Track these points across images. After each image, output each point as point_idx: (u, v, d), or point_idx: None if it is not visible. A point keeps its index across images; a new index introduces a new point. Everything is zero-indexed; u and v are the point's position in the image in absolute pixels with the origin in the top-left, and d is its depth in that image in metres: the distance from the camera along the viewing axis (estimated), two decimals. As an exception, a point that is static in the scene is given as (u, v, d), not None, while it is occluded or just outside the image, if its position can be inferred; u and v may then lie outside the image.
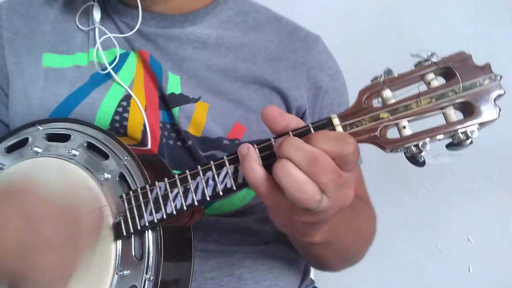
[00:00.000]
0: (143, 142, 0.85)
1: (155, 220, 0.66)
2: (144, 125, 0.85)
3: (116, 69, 0.87)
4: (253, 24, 0.94)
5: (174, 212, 0.65)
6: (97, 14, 0.89)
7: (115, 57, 0.88)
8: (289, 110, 0.91)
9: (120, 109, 0.85)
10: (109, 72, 0.87)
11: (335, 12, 1.46)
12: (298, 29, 0.97)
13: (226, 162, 0.62)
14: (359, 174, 1.01)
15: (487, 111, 0.52)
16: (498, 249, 1.49)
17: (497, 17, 1.42)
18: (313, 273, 1.15)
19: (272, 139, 0.59)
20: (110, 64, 0.87)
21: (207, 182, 0.63)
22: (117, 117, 0.85)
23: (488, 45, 1.41)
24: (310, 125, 0.58)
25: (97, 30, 0.88)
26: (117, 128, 0.85)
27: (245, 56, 0.91)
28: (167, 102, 0.86)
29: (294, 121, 0.59)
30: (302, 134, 0.57)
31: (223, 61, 0.90)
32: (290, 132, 0.58)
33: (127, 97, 0.86)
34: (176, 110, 0.85)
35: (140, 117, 0.85)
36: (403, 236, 1.57)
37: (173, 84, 0.87)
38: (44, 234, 0.62)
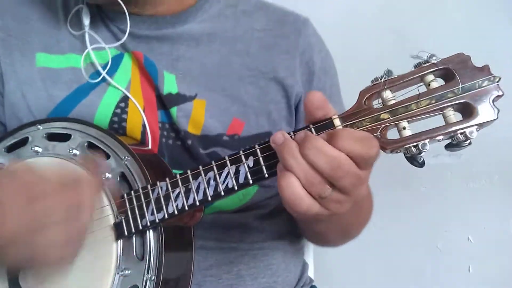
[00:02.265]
0: (143, 142, 0.85)
1: (157, 220, 0.66)
2: (144, 125, 0.85)
3: (112, 71, 0.88)
4: (243, 15, 0.95)
5: (176, 212, 0.65)
6: (86, 19, 0.88)
7: (108, 61, 0.88)
8: (288, 99, 0.92)
9: (118, 111, 0.86)
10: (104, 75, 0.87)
11: (334, 12, 1.47)
12: (287, 14, 0.98)
13: (228, 162, 0.62)
14: None
15: (486, 112, 0.52)
16: (498, 249, 1.48)
17: (497, 17, 1.42)
18: (312, 271, 1.15)
19: (292, 133, 0.59)
20: (103, 67, 0.87)
21: (208, 182, 0.63)
22: (116, 119, 0.86)
23: (488, 45, 1.41)
24: (311, 126, 0.58)
25: (87, 35, 0.88)
26: (116, 129, 0.85)
27: (238, 49, 0.91)
28: (164, 102, 0.86)
29: (333, 111, 0.59)
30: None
31: (216, 57, 0.90)
32: (292, 133, 0.59)
33: (125, 99, 0.86)
34: (174, 110, 0.86)
35: (138, 118, 0.86)
36: (403, 236, 1.56)
37: (169, 84, 0.87)
38: (46, 212, 0.61)
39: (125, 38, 0.86)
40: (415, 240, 1.56)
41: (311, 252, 1.19)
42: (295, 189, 0.55)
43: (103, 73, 0.86)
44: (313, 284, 1.08)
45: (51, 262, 0.64)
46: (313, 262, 1.18)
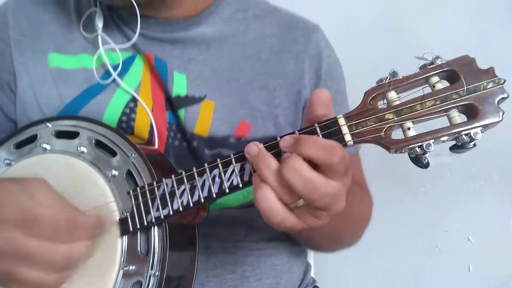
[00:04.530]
0: (150, 142, 0.86)
1: (162, 216, 0.66)
2: (151, 125, 0.86)
3: (122, 72, 0.88)
4: (254, 19, 0.96)
5: (181, 209, 0.65)
6: (99, 22, 0.88)
7: (119, 62, 0.88)
8: (296, 105, 0.92)
9: (128, 110, 0.86)
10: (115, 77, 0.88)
11: (335, 12, 1.47)
12: (297, 19, 0.99)
13: (233, 160, 0.63)
14: (356, 160, 1.03)
15: (491, 114, 0.53)
16: (498, 249, 1.49)
17: (497, 17, 1.42)
18: (314, 272, 1.15)
19: (278, 138, 0.60)
20: (114, 68, 0.87)
21: (213, 179, 0.64)
22: (124, 118, 0.86)
23: (488, 45, 1.42)
24: (316, 125, 0.59)
25: (99, 38, 0.88)
26: (124, 128, 0.86)
27: (249, 53, 0.92)
28: (173, 103, 0.87)
29: (332, 114, 0.60)
30: (309, 133, 0.59)
31: (227, 61, 0.91)
32: (297, 132, 0.60)
33: (134, 99, 0.87)
34: (182, 112, 0.86)
35: (147, 118, 0.86)
36: (403, 236, 1.57)
37: (179, 85, 0.88)
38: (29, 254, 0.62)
39: (135, 38, 0.86)
40: (415, 240, 1.57)
41: (312, 253, 1.20)
42: (269, 202, 0.56)
43: (114, 74, 0.87)
44: (315, 284, 1.09)
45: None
46: (314, 262, 1.18)
